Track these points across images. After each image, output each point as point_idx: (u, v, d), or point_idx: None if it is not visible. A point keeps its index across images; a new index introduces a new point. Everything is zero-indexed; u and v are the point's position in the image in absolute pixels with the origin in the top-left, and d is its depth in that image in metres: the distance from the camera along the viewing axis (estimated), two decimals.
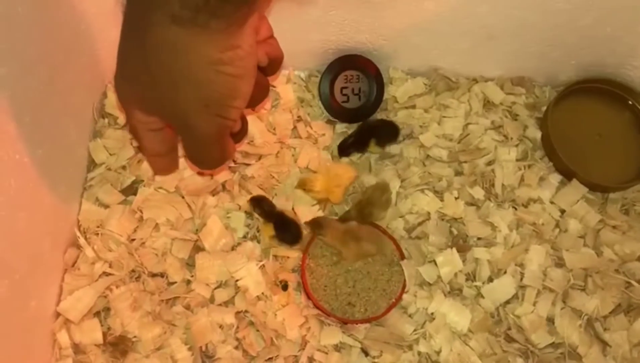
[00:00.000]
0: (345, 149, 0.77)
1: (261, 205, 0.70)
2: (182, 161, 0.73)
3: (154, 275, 0.68)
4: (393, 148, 0.78)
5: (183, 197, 0.72)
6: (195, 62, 0.39)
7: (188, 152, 0.49)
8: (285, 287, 0.69)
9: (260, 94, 0.51)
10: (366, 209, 0.71)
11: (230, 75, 0.41)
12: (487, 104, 0.82)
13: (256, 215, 0.71)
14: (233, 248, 0.70)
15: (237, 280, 0.68)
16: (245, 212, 0.72)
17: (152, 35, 0.38)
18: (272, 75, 0.52)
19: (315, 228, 0.69)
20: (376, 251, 0.69)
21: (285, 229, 0.69)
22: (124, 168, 0.74)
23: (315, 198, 0.74)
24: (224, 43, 0.39)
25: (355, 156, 0.78)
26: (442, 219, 0.74)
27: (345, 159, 0.78)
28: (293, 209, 0.72)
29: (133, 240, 0.69)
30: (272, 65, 0.50)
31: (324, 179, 0.73)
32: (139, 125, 0.47)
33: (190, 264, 0.69)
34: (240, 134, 0.54)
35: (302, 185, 0.74)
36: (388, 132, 0.77)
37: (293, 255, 0.71)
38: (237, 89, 0.43)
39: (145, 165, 0.74)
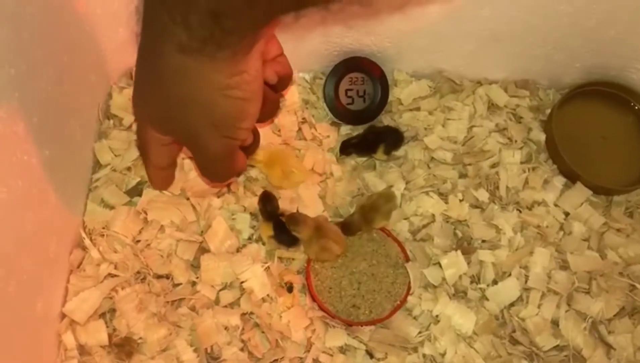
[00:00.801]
0: (346, 148, 0.77)
1: (266, 204, 0.70)
2: (188, 163, 0.74)
3: (159, 277, 0.68)
4: (398, 150, 0.78)
5: (188, 199, 0.72)
6: (203, 88, 0.41)
7: (199, 167, 0.51)
8: (290, 289, 0.69)
9: (270, 110, 0.53)
10: (369, 214, 0.71)
11: (237, 98, 0.43)
12: (492, 107, 0.82)
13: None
14: (238, 250, 0.70)
15: (242, 282, 0.68)
16: (251, 214, 0.72)
17: (163, 63, 0.40)
18: (281, 91, 0.54)
19: (290, 223, 0.68)
20: (340, 253, 0.69)
21: (284, 230, 0.69)
22: (129, 169, 0.74)
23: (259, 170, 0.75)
24: (230, 69, 0.41)
25: (360, 158, 0.78)
26: (447, 222, 0.74)
27: (349, 164, 0.78)
28: (298, 211, 0.72)
29: (138, 241, 0.69)
30: (281, 82, 0.52)
31: (268, 155, 0.73)
32: (151, 140, 0.50)
33: (195, 265, 0.69)
34: (252, 147, 0.55)
35: None
36: (393, 139, 0.77)
37: (298, 256, 0.71)
38: (244, 111, 0.45)
39: None
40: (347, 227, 0.71)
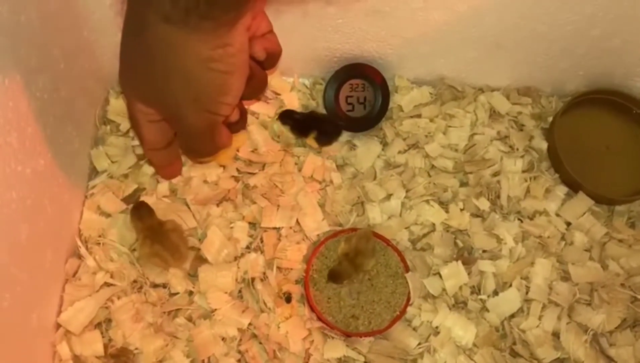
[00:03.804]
0: (286, 118, 0.76)
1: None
2: (187, 169, 0.73)
3: (155, 286, 0.67)
4: (398, 158, 0.77)
5: (188, 206, 0.71)
6: (186, 59, 0.41)
7: (180, 142, 0.51)
8: (288, 299, 0.68)
9: (258, 86, 0.53)
10: (357, 259, 0.67)
11: (220, 71, 0.43)
12: (493, 114, 0.81)
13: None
14: (236, 259, 0.69)
15: (239, 291, 0.68)
16: (249, 223, 0.71)
17: (148, 32, 0.41)
18: (269, 69, 0.54)
19: (132, 210, 0.66)
20: (175, 266, 0.66)
21: None
22: (125, 176, 0.73)
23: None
24: (214, 41, 0.41)
25: (360, 166, 0.77)
26: (447, 231, 0.74)
27: (349, 172, 0.77)
28: (298, 221, 0.72)
29: (134, 249, 0.69)
30: (269, 59, 0.52)
31: None
32: (139, 115, 0.49)
33: (192, 275, 0.68)
34: (239, 124, 0.55)
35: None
36: (327, 131, 0.76)
37: (297, 266, 0.70)
38: (226, 85, 0.45)
39: (147, 171, 0.73)
40: (337, 276, 0.67)
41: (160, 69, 0.43)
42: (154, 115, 0.49)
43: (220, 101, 0.45)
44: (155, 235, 0.65)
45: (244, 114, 0.55)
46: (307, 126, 0.76)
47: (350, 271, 0.67)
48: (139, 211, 0.66)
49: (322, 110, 0.80)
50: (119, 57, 0.47)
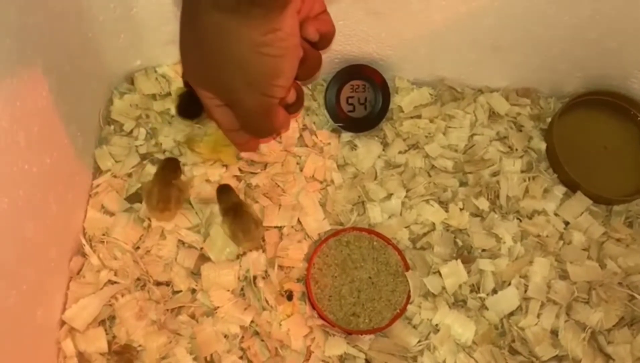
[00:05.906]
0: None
1: None
2: (189, 168, 0.74)
3: (159, 284, 0.68)
4: (399, 158, 0.78)
5: (191, 205, 0.72)
6: (238, 44, 0.42)
7: (240, 123, 0.52)
8: (290, 297, 0.69)
9: (311, 68, 0.54)
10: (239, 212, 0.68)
11: (271, 56, 0.44)
12: (493, 115, 0.82)
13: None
14: (238, 257, 0.70)
15: (242, 289, 0.68)
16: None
17: (201, 20, 0.42)
18: (323, 49, 0.54)
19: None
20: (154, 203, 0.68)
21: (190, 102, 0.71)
22: (129, 175, 0.74)
23: (202, 158, 0.75)
24: (265, 27, 0.42)
25: (361, 166, 0.78)
26: (447, 230, 0.74)
27: (350, 172, 0.78)
28: (299, 220, 0.73)
29: (138, 248, 0.69)
30: (323, 40, 0.52)
31: (210, 139, 0.74)
32: (206, 100, 0.50)
33: (195, 273, 0.69)
34: (296, 105, 0.56)
35: (189, 144, 0.75)
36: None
37: (298, 264, 0.71)
38: (278, 68, 0.45)
39: (150, 170, 0.73)
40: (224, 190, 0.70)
41: (213, 56, 0.44)
42: (217, 100, 0.50)
43: (274, 83, 0.46)
44: (162, 180, 0.68)
45: (300, 95, 0.56)
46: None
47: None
48: (171, 162, 0.71)
49: (323, 111, 0.80)
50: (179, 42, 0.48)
